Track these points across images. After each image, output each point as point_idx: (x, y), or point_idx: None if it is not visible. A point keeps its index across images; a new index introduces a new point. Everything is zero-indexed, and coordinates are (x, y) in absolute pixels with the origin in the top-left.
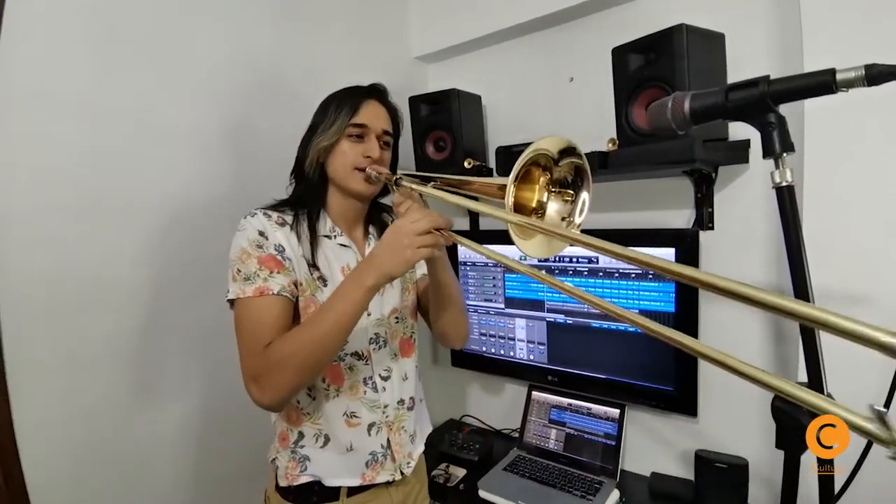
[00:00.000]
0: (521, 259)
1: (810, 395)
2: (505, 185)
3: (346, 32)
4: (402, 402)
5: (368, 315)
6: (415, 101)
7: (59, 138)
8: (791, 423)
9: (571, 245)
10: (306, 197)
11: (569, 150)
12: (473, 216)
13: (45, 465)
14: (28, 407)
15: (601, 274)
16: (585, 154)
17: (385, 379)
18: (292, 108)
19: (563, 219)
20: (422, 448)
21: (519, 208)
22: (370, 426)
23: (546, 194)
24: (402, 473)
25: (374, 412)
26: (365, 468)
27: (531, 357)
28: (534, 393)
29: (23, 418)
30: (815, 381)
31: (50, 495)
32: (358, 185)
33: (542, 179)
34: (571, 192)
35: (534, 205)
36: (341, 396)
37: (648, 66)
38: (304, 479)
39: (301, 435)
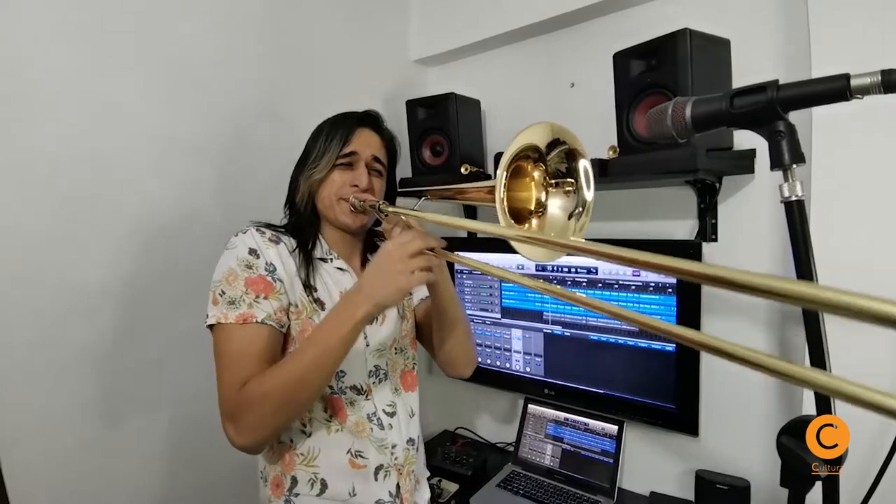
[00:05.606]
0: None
1: (826, 377)
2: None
3: (344, 34)
4: (411, 441)
5: (367, 345)
6: (412, 105)
7: (40, 137)
8: (796, 461)
9: (568, 254)
10: (300, 228)
11: (556, 142)
12: None
13: (26, 473)
14: (7, 414)
15: (600, 285)
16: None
17: (390, 415)
18: (287, 115)
19: (569, 216)
20: (428, 494)
21: (517, 212)
22: (377, 469)
23: (544, 192)
24: None
25: (382, 453)
26: None
27: (527, 369)
28: (530, 406)
29: (2, 425)
30: (823, 402)
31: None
32: (344, 216)
33: (536, 174)
34: (572, 180)
35: (532, 205)
36: (345, 432)
37: (651, 71)
38: None
39: (294, 481)
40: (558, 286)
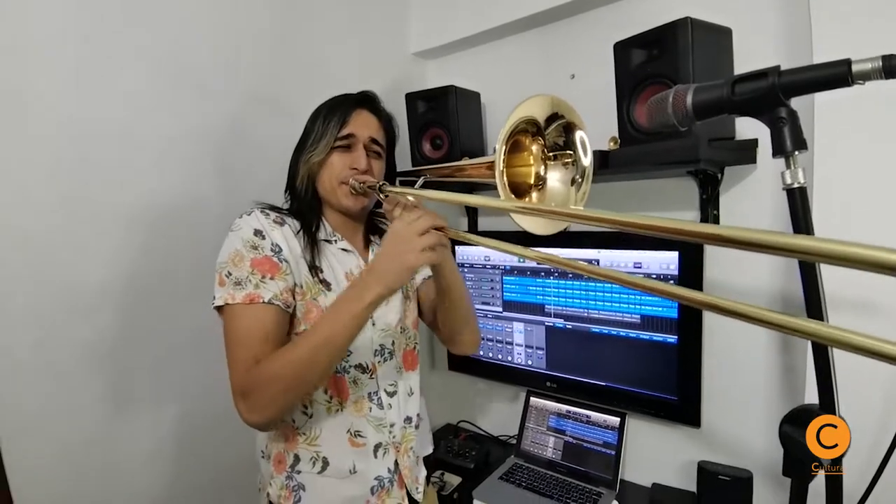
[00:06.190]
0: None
1: (828, 329)
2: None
3: (343, 27)
4: (408, 419)
5: (374, 325)
6: (411, 98)
7: (40, 137)
8: (799, 450)
9: (570, 222)
10: (301, 212)
11: (555, 116)
12: (471, 217)
13: (28, 471)
14: (8, 412)
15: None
16: None
17: (391, 395)
18: (287, 108)
19: (571, 183)
20: (425, 471)
21: (516, 186)
22: (376, 447)
23: (543, 165)
24: (409, 500)
25: (380, 432)
26: (370, 495)
27: (529, 362)
28: (532, 399)
29: (4, 424)
30: (826, 395)
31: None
32: (345, 199)
33: (535, 148)
34: (570, 152)
35: (532, 179)
36: (345, 412)
37: (651, 61)
38: None
39: (297, 458)
40: (563, 257)
